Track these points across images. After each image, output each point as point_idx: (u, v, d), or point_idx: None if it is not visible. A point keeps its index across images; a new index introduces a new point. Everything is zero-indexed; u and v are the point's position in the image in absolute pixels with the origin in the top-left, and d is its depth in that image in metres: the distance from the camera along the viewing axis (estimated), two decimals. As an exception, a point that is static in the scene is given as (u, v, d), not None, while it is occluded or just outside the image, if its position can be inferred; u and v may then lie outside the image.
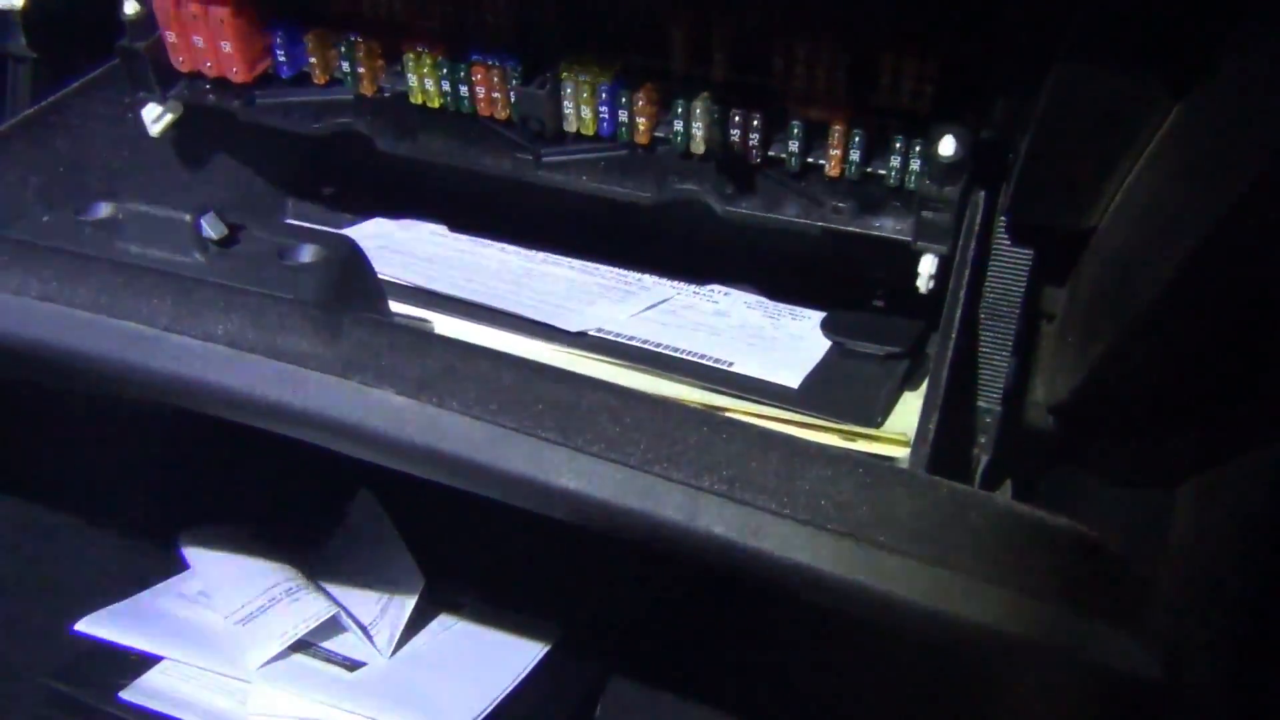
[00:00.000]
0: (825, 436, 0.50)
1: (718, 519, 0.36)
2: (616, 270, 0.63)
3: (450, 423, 0.39)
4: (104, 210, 0.46)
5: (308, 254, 0.45)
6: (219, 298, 0.42)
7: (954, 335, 0.45)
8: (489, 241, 0.65)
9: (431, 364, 0.41)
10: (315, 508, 0.79)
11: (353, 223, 0.67)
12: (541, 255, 0.64)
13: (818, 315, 0.60)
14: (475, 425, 0.39)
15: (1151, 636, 0.33)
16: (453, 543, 0.76)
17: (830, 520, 0.36)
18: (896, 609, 0.34)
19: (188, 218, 0.44)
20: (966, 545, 0.34)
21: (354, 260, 0.46)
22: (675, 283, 0.62)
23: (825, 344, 0.57)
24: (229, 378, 0.40)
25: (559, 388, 0.40)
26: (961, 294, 0.46)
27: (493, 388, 0.40)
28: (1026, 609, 0.33)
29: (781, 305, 0.61)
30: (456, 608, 0.76)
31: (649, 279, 0.62)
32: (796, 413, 0.51)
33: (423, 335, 0.43)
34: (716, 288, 0.62)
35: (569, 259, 0.64)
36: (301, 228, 0.59)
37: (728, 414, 0.51)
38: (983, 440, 0.52)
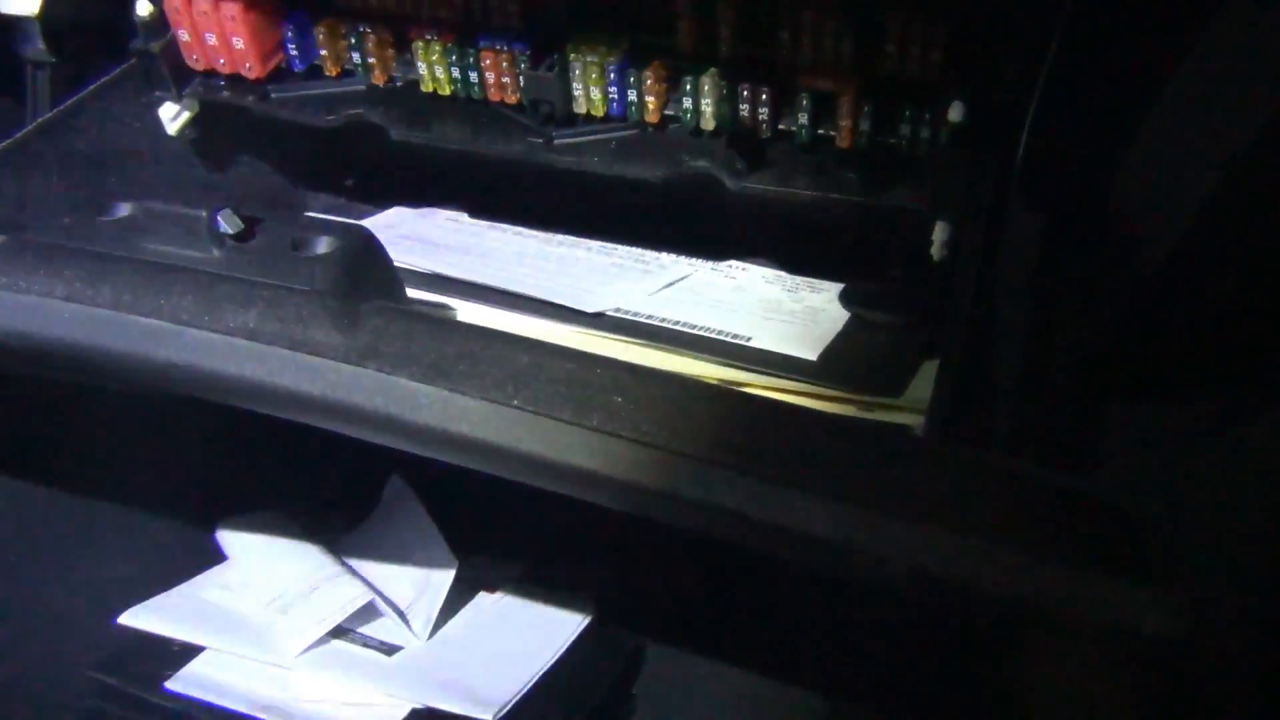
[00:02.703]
0: (844, 408, 0.50)
1: (730, 492, 0.36)
2: (634, 249, 0.63)
3: (466, 406, 0.39)
4: (123, 210, 0.47)
5: (323, 245, 0.46)
6: (237, 291, 0.43)
7: (967, 302, 0.45)
8: (506, 226, 0.65)
9: (448, 349, 0.42)
10: (349, 494, 0.80)
11: (372, 212, 0.67)
12: (559, 237, 0.64)
13: (836, 287, 0.59)
14: (490, 408, 0.39)
15: (1174, 594, 0.33)
16: (487, 523, 0.77)
17: (842, 490, 0.36)
18: (911, 577, 0.34)
19: (204, 214, 0.45)
20: (978, 510, 0.34)
21: (370, 249, 0.47)
22: (692, 260, 0.62)
23: (844, 316, 0.57)
24: (249, 369, 0.41)
25: (573, 368, 0.41)
26: (975, 260, 0.46)
27: (508, 370, 0.41)
28: (1043, 572, 0.33)
29: (800, 278, 0.61)
30: (492, 588, 0.77)
31: (666, 257, 0.63)
32: (815, 385, 0.51)
33: (438, 321, 0.44)
34: (734, 263, 0.62)
35: (586, 240, 0.64)
36: (318, 220, 0.60)
37: (746, 389, 0.51)
38: (1003, 405, 0.52)
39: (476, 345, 0.42)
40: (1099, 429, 0.52)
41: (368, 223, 0.64)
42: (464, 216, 0.67)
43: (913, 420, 0.49)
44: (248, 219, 0.46)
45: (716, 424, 0.38)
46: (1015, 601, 0.34)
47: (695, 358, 0.54)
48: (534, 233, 0.65)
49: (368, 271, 0.46)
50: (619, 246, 0.63)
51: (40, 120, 0.57)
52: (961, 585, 0.34)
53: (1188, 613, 0.33)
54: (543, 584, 0.77)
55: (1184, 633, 0.33)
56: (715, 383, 0.50)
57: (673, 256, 0.63)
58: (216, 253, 0.46)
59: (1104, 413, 0.51)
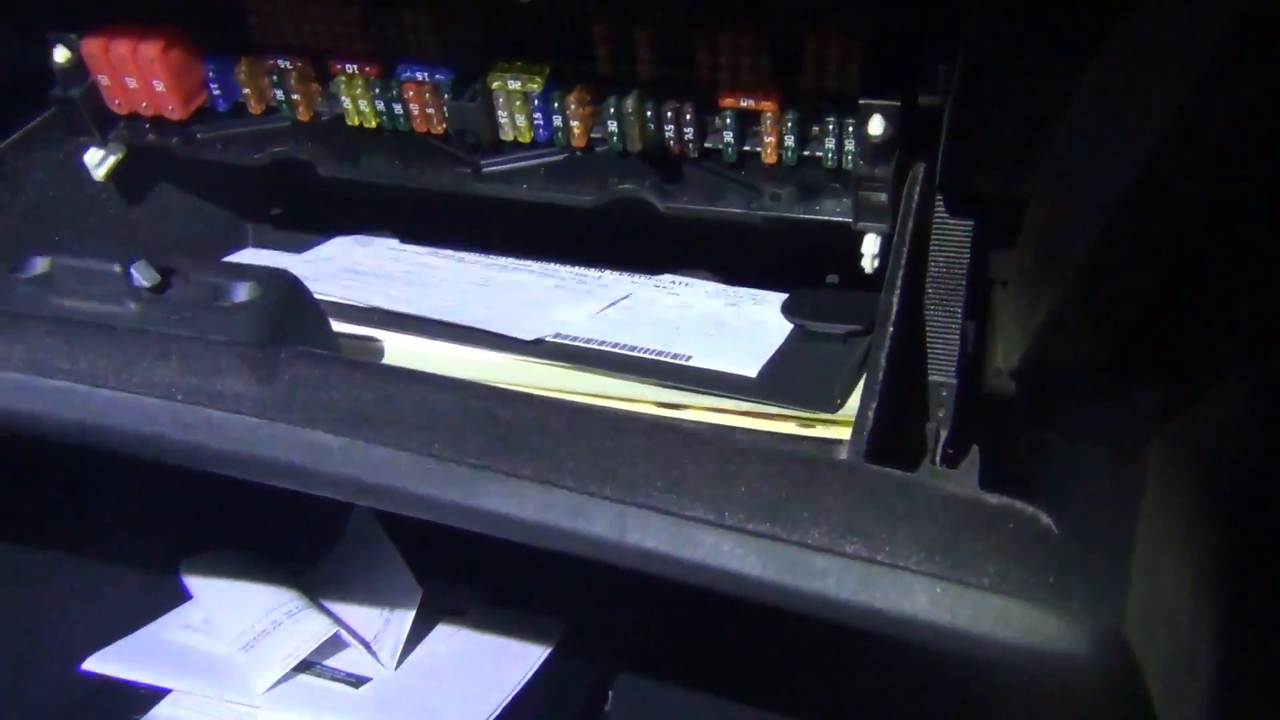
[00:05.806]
0: (782, 425, 0.50)
1: (647, 533, 0.36)
2: (575, 270, 0.63)
3: (382, 458, 0.39)
4: (38, 266, 0.46)
5: (243, 292, 0.45)
6: (151, 347, 0.42)
7: (893, 315, 0.44)
8: (449, 253, 0.65)
9: (366, 394, 0.41)
10: (311, 528, 0.80)
11: (312, 245, 0.67)
12: (501, 262, 0.64)
13: (779, 298, 0.59)
14: (406, 458, 0.39)
15: (1085, 617, 0.33)
16: (451, 550, 0.76)
17: (762, 523, 0.35)
18: (827, 607, 0.34)
19: (118, 268, 0.44)
20: (896, 535, 0.34)
21: (290, 294, 0.46)
22: (635, 278, 0.62)
23: (787, 327, 0.57)
24: (163, 428, 0.41)
25: (492, 408, 0.40)
26: (900, 272, 0.46)
27: (426, 415, 0.40)
28: (955, 596, 0.33)
29: (742, 291, 0.60)
30: (459, 614, 0.76)
31: (609, 276, 0.62)
32: (754, 403, 0.51)
33: (358, 365, 0.43)
34: (677, 279, 0.62)
35: (528, 263, 0.63)
36: (236, 266, 0.59)
37: (685, 409, 0.51)
38: (940, 414, 0.51)
39: (396, 389, 0.41)
40: (1046, 429, 0.52)
41: (307, 256, 0.64)
42: (404, 246, 0.66)
43: (849, 434, 0.48)
44: (164, 269, 0.45)
45: (638, 460, 0.38)
46: (929, 628, 0.33)
47: (634, 381, 0.53)
48: (478, 258, 0.64)
49: (289, 317, 0.46)
50: (562, 268, 0.63)
51: (-38, 174, 0.56)
52: (871, 613, 0.34)
53: (1098, 635, 0.32)
54: (510, 607, 0.77)
55: (1085, 650, 0.32)
56: (643, 412, 0.49)
57: (616, 275, 0.62)
58: (134, 306, 0.45)
59: (1049, 412, 0.51)
